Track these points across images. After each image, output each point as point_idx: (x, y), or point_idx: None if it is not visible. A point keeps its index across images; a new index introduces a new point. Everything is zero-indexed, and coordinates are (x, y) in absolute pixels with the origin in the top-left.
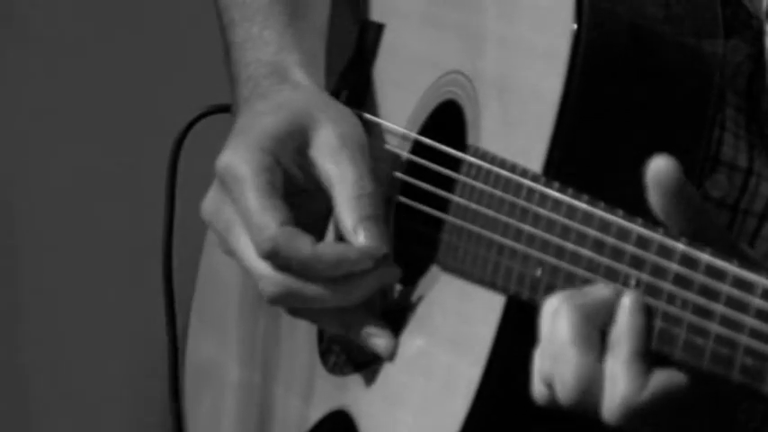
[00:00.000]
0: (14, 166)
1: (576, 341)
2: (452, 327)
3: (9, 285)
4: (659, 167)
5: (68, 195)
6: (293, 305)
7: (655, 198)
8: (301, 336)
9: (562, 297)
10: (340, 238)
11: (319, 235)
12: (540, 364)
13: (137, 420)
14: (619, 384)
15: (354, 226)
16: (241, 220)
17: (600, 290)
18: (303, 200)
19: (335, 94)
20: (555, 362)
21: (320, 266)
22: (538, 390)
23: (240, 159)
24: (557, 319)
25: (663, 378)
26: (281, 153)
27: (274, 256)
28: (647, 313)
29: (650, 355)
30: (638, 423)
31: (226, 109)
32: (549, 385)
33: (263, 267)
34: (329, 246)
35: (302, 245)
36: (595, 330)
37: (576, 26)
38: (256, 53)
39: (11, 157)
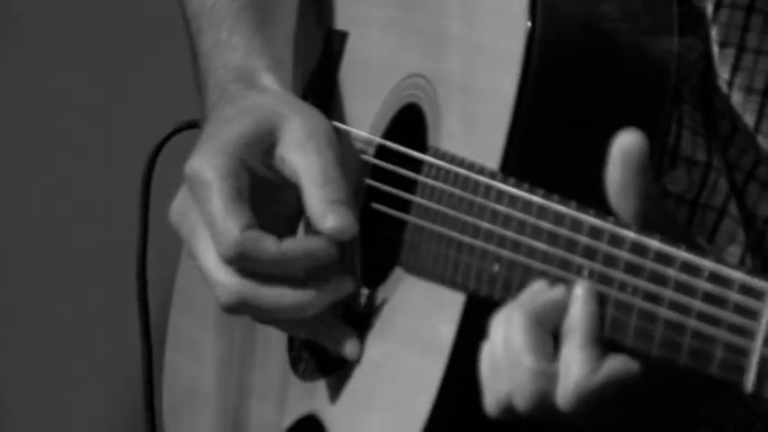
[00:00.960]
0: None
1: (531, 346)
2: (416, 327)
3: None
4: (628, 140)
5: (43, 207)
6: (248, 314)
7: (616, 171)
8: (274, 344)
9: (514, 305)
10: None
11: (292, 234)
12: (492, 377)
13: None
14: (572, 370)
15: (323, 211)
16: (204, 225)
17: (549, 293)
18: (275, 203)
19: (303, 98)
20: (511, 370)
21: (288, 263)
22: (490, 403)
23: (207, 165)
24: (509, 327)
25: (616, 363)
26: (248, 157)
27: (239, 260)
28: (599, 301)
29: (603, 343)
30: (592, 409)
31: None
32: (507, 395)
33: (220, 274)
34: (294, 241)
35: (267, 245)
36: (548, 333)
37: (529, 24)
38: (224, 58)
39: None
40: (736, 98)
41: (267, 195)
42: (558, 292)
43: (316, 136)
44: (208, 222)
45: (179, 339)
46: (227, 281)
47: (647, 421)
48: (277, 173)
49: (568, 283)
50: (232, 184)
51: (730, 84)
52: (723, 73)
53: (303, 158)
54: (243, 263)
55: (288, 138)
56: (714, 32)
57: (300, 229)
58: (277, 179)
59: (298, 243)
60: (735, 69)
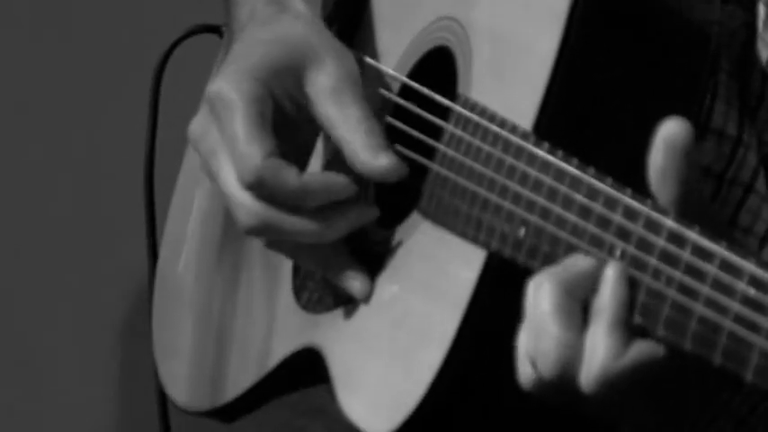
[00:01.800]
0: None
1: (557, 315)
2: (430, 275)
3: None
4: (673, 128)
5: (48, 121)
6: (269, 237)
7: (658, 157)
8: (275, 269)
9: (546, 274)
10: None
11: (302, 168)
12: (525, 341)
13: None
14: (598, 352)
15: (373, 153)
16: (226, 147)
17: (581, 261)
18: (290, 133)
19: (328, 24)
20: (537, 337)
21: (306, 197)
22: (523, 371)
23: (232, 87)
24: (538, 293)
25: (643, 347)
26: (275, 85)
27: (259, 187)
28: (631, 285)
29: (632, 327)
30: (616, 392)
31: (213, 29)
32: (534, 364)
33: (243, 196)
34: (315, 175)
35: (288, 176)
36: (577, 303)
37: None
38: None
39: None
40: None
41: (286, 128)
42: (590, 264)
43: (350, 84)
44: (229, 145)
45: (170, 239)
46: (248, 203)
47: (668, 410)
48: (302, 109)
49: (602, 261)
50: (258, 109)
51: None
52: (764, 51)
53: (339, 110)
54: (262, 190)
55: (320, 82)
56: (762, 9)
57: (312, 165)
58: (299, 114)
59: (319, 177)
60: None
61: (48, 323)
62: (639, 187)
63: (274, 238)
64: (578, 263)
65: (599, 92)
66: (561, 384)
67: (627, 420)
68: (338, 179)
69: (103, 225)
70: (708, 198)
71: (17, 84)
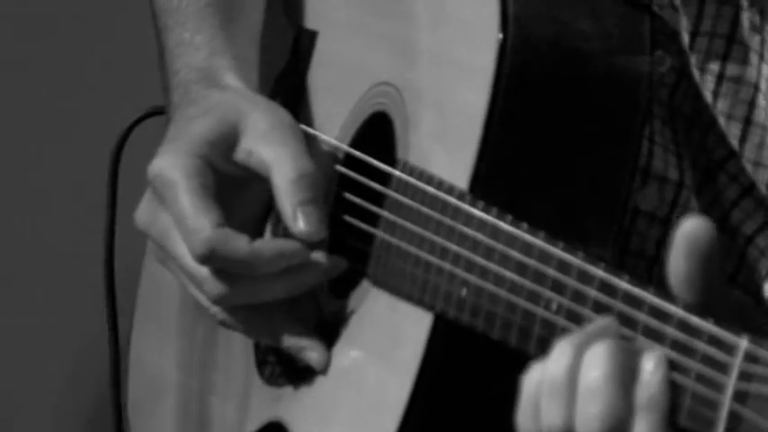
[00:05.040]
0: None
1: (612, 381)
2: (382, 341)
3: None
4: (695, 227)
5: (7, 199)
6: (239, 302)
7: (680, 261)
8: (238, 346)
9: (584, 335)
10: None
11: (257, 236)
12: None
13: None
14: None
15: (293, 211)
16: (176, 225)
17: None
18: (241, 202)
19: (271, 98)
20: (584, 401)
21: (259, 264)
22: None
23: (170, 165)
24: (588, 354)
25: None
26: (212, 156)
27: (211, 259)
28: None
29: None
30: None
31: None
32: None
33: (199, 270)
34: (266, 242)
35: (239, 244)
36: (630, 374)
37: (501, 37)
38: (187, 59)
39: None
40: (720, 122)
41: (233, 194)
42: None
43: (280, 126)
44: (177, 222)
45: (146, 327)
46: (205, 274)
47: None
48: (243, 169)
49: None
50: (199, 182)
51: (712, 107)
52: (705, 96)
53: (270, 149)
54: (215, 262)
55: (251, 131)
56: (693, 59)
57: (267, 231)
58: (243, 175)
59: (270, 243)
60: (715, 96)
61: None
62: (572, 239)
63: (245, 301)
64: (625, 346)
65: (531, 147)
66: None
67: None
68: (289, 245)
69: (64, 311)
70: (734, 298)
71: None
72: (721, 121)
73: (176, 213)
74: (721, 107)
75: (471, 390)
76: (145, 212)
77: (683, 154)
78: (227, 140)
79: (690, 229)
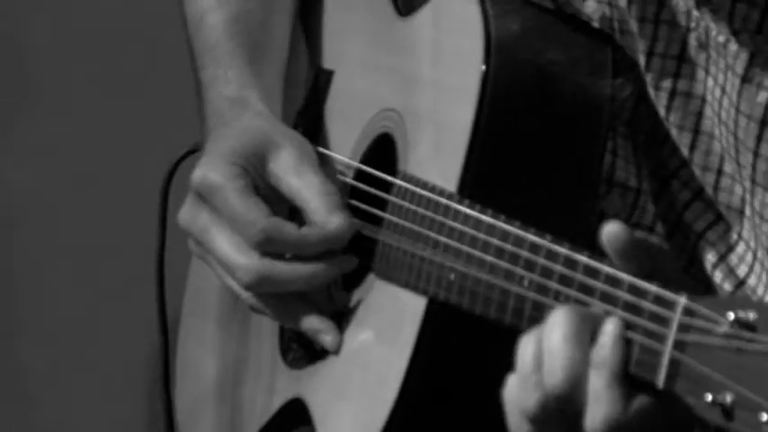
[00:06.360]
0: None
1: (569, 339)
2: (386, 325)
3: (9, 300)
4: (609, 232)
5: (68, 220)
6: (266, 290)
7: (611, 255)
8: (266, 338)
9: (555, 316)
10: None
11: None
12: (518, 388)
13: (129, 419)
14: (602, 405)
15: (328, 215)
16: (220, 222)
17: (583, 309)
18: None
19: (294, 127)
20: (548, 359)
21: (306, 246)
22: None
23: (213, 171)
24: (550, 330)
25: (644, 402)
26: (247, 165)
27: (267, 244)
28: (627, 342)
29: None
30: None
31: None
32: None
33: (239, 258)
34: (311, 228)
35: (290, 230)
36: (587, 335)
37: (484, 67)
38: (220, 89)
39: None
40: (672, 133)
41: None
42: (591, 313)
43: (308, 159)
44: (230, 219)
45: (190, 326)
46: (246, 262)
47: None
48: (269, 186)
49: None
50: (243, 182)
51: (665, 121)
52: (659, 111)
53: (300, 180)
54: (271, 245)
55: (281, 161)
56: (649, 78)
57: None
58: (267, 192)
59: (314, 229)
60: (668, 110)
61: None
62: (541, 228)
63: (271, 289)
64: (581, 311)
65: (512, 154)
66: (565, 403)
67: None
68: (327, 232)
69: (118, 315)
70: (671, 260)
71: (32, 203)
72: (674, 132)
73: (229, 212)
74: (673, 120)
75: (461, 361)
76: (187, 213)
77: (642, 164)
78: (258, 158)
79: (606, 233)
